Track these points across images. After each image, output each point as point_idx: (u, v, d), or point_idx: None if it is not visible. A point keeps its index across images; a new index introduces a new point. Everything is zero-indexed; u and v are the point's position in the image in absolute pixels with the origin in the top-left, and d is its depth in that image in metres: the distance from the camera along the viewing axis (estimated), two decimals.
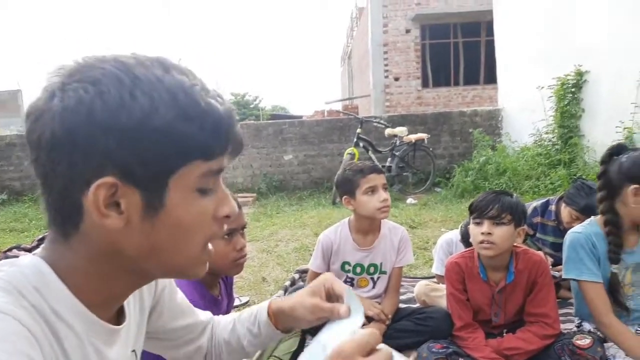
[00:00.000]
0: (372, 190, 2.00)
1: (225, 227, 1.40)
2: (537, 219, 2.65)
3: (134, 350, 0.73)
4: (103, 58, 0.56)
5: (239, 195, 6.77)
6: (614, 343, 1.66)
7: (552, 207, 2.60)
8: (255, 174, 7.45)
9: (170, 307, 0.85)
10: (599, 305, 1.70)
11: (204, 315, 0.95)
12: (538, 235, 2.66)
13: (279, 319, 0.87)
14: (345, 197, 2.07)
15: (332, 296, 0.82)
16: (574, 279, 1.77)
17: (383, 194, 2.00)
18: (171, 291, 0.86)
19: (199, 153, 0.56)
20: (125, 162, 0.53)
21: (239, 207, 1.50)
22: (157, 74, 0.55)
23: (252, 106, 21.47)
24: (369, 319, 1.99)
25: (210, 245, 0.64)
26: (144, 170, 0.54)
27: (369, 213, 2.02)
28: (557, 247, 2.58)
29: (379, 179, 2.02)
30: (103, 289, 0.60)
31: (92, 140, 0.52)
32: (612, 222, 1.70)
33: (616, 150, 1.74)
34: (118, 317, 0.67)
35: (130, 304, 0.72)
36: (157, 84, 0.54)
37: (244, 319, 0.92)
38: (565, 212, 2.47)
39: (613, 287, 1.73)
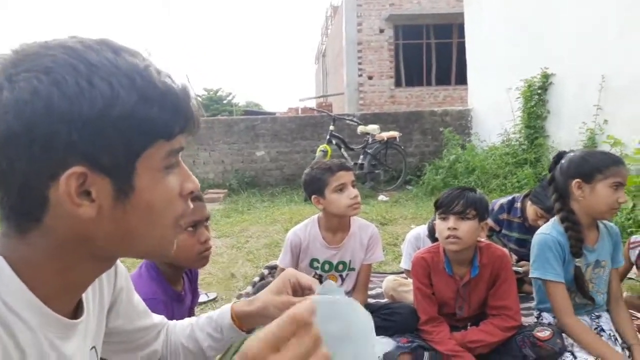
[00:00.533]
0: (342, 187, 1.98)
1: (189, 219, 1.38)
2: (504, 216, 2.71)
3: (94, 347, 0.71)
4: (46, 44, 0.54)
5: (210, 191, 6.69)
6: (575, 342, 1.72)
7: (518, 205, 2.67)
8: (227, 170, 7.37)
9: (128, 308, 0.84)
10: (561, 305, 1.77)
11: (158, 318, 0.94)
12: (504, 231, 2.73)
13: (245, 322, 0.87)
14: (314, 196, 2.05)
15: (298, 290, 0.82)
16: (539, 278, 1.83)
17: (353, 191, 1.99)
18: (129, 292, 0.85)
19: (161, 133, 0.56)
20: (91, 151, 0.52)
21: (201, 199, 1.48)
22: (110, 57, 0.54)
23: (225, 102, 21.22)
24: None
25: (181, 223, 0.64)
26: (111, 157, 0.53)
27: (339, 211, 2.01)
28: (522, 243, 2.65)
29: (348, 176, 2.01)
30: (60, 281, 0.58)
31: (53, 132, 0.50)
32: (568, 219, 1.78)
33: (559, 158, 1.88)
34: (76, 312, 0.65)
35: (90, 299, 0.70)
36: (113, 69, 0.53)
37: (203, 324, 0.91)
38: (531, 210, 2.54)
39: (578, 280, 1.80)
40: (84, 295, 0.67)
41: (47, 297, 0.57)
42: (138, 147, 0.55)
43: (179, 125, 0.58)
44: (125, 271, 0.84)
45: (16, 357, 0.53)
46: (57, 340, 0.60)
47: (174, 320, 0.98)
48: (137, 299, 0.88)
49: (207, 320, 0.91)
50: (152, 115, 0.54)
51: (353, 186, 2.02)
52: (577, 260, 1.78)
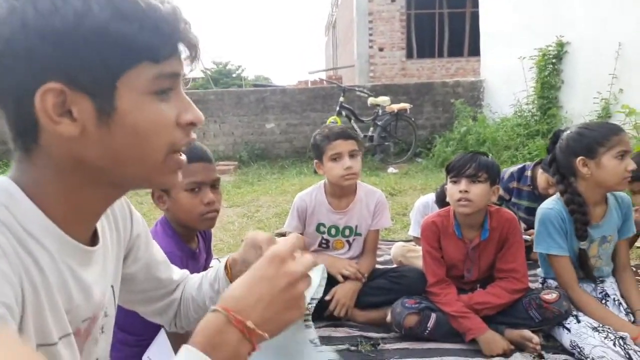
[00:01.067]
0: (337, 156, 1.98)
1: (192, 179, 1.39)
2: (513, 184, 2.71)
3: (112, 286, 0.74)
4: None
5: (221, 162, 6.73)
6: (581, 311, 1.74)
7: (528, 173, 2.66)
8: (237, 142, 7.39)
9: (146, 256, 0.86)
10: (566, 278, 1.80)
11: (179, 273, 0.96)
12: (513, 199, 2.73)
13: (234, 272, 0.88)
14: (315, 161, 2.08)
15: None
16: (543, 252, 1.85)
17: (347, 162, 1.97)
18: (147, 240, 0.87)
19: (145, 54, 0.56)
20: (67, 67, 0.53)
21: (210, 161, 1.49)
22: None
23: (234, 75, 21.09)
24: (345, 278, 2.03)
25: (183, 156, 0.64)
26: (88, 74, 0.54)
27: (333, 179, 2.03)
28: (532, 212, 2.65)
29: (345, 145, 1.98)
30: (72, 205, 0.60)
31: (30, 48, 0.51)
32: (573, 201, 1.77)
33: (556, 137, 1.86)
34: (92, 242, 0.67)
35: (107, 237, 0.72)
36: None
37: (209, 277, 0.93)
38: (542, 178, 2.53)
39: (582, 262, 1.82)
40: (99, 230, 0.69)
41: (62, 222, 0.59)
42: (117, 65, 0.55)
43: (166, 47, 0.57)
44: (142, 220, 0.87)
45: (39, 281, 0.56)
46: (77, 266, 0.62)
47: (193, 275, 1.00)
48: (157, 249, 0.90)
49: (212, 272, 0.93)
50: (129, 32, 0.54)
51: (352, 156, 1.99)
52: (581, 243, 1.79)
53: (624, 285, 1.87)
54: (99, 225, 0.69)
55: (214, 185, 1.48)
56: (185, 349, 0.54)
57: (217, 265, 0.94)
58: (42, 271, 0.56)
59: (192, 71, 0.64)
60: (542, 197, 2.58)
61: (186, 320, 0.95)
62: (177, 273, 0.95)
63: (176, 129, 0.61)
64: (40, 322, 0.55)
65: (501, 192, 2.65)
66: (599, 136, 1.71)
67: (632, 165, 1.70)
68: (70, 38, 0.52)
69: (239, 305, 0.56)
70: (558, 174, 1.83)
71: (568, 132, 1.81)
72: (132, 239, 0.82)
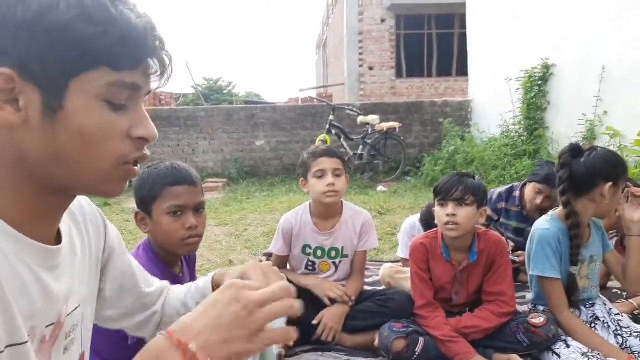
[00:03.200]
0: (321, 173, 1.99)
1: (172, 203, 1.37)
2: (502, 205, 2.73)
3: (81, 302, 0.71)
4: None
5: (209, 180, 6.70)
6: (570, 336, 1.73)
7: (517, 193, 2.69)
8: (226, 159, 7.37)
9: (123, 268, 0.85)
10: (557, 302, 1.79)
11: (159, 283, 0.96)
12: (502, 220, 2.74)
13: None
14: (301, 179, 2.09)
15: None
16: (539, 276, 1.82)
17: (330, 179, 1.97)
18: (122, 252, 0.86)
19: (105, 59, 0.55)
20: (22, 57, 0.53)
21: (194, 184, 1.46)
22: None
23: (225, 92, 21.15)
24: (332, 301, 2.00)
25: (136, 168, 0.63)
26: (43, 67, 0.53)
27: (315, 196, 2.03)
28: (520, 233, 2.67)
29: (330, 163, 1.99)
30: (22, 204, 0.59)
31: None
32: (576, 225, 1.74)
33: (576, 152, 1.78)
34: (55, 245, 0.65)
35: (76, 242, 0.71)
36: None
37: (194, 292, 0.92)
38: (530, 189, 2.55)
39: (571, 288, 1.80)
40: (65, 233, 0.67)
41: (14, 222, 0.57)
42: (74, 65, 0.54)
43: (129, 57, 0.57)
44: (118, 235, 0.85)
45: None
46: (38, 267, 0.60)
47: (173, 286, 0.99)
48: (134, 261, 0.89)
49: (196, 289, 0.92)
50: (91, 35, 0.53)
51: (336, 174, 1.99)
52: (573, 268, 1.79)
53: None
54: (64, 228, 0.67)
55: (198, 209, 1.44)
56: None
57: (201, 280, 0.92)
58: None
59: (160, 88, 0.64)
60: (530, 219, 2.60)
61: None
62: (156, 284, 0.94)
63: (126, 141, 0.60)
64: None
65: (489, 212, 2.66)
66: (625, 167, 1.75)
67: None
68: (30, 30, 0.52)
69: (185, 329, 0.55)
70: (568, 192, 1.76)
71: (602, 152, 1.75)
72: (107, 250, 0.81)
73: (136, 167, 0.63)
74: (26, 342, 0.57)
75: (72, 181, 0.60)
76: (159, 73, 0.61)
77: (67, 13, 0.52)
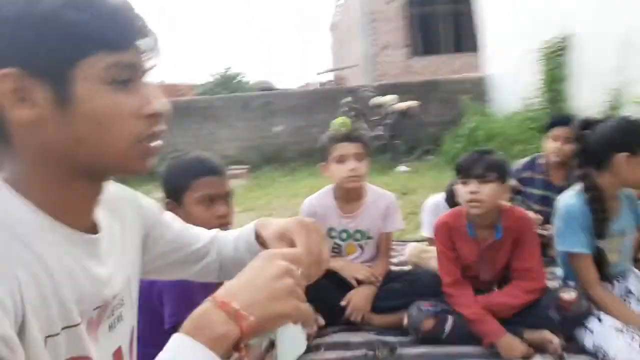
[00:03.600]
0: (342, 159, 1.98)
1: (204, 192, 1.40)
2: (527, 173, 2.73)
3: (128, 276, 0.75)
4: None
5: (232, 167, 6.76)
6: (603, 312, 1.69)
7: (541, 160, 2.70)
8: (247, 147, 7.41)
9: (168, 234, 0.89)
10: (588, 277, 1.75)
11: (207, 234, 0.98)
12: (527, 189, 2.71)
13: (264, 242, 0.88)
14: (322, 163, 2.07)
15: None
16: (566, 251, 1.79)
17: (352, 164, 1.97)
18: (161, 221, 0.89)
19: (99, 43, 0.56)
20: (22, 54, 0.54)
21: (222, 174, 1.49)
22: None
23: (234, 82, 21.08)
24: (359, 282, 2.02)
25: (156, 144, 0.64)
26: (43, 61, 0.55)
27: (337, 181, 2.03)
28: (545, 201, 2.65)
29: (351, 148, 1.98)
30: (57, 196, 0.61)
31: None
32: (596, 198, 1.71)
33: (586, 125, 1.76)
34: (93, 233, 0.68)
35: (114, 228, 0.74)
36: None
37: (242, 239, 0.93)
38: (546, 143, 2.61)
39: (600, 262, 1.77)
40: (101, 220, 0.70)
41: (53, 214, 0.60)
42: (71, 53, 0.55)
43: (122, 37, 0.58)
44: (156, 206, 0.89)
45: (42, 274, 0.56)
46: (81, 255, 0.63)
47: (225, 233, 1.01)
48: (179, 228, 0.93)
49: (244, 236, 0.93)
50: (82, 21, 0.55)
51: (358, 159, 1.99)
52: (600, 242, 1.74)
53: None
54: (101, 216, 0.70)
55: (226, 198, 1.48)
56: (173, 336, 0.55)
57: (246, 228, 0.94)
58: (44, 264, 0.56)
59: (155, 66, 0.64)
60: (555, 186, 2.59)
61: (230, 276, 0.98)
62: (205, 236, 0.97)
63: (139, 120, 0.61)
64: (46, 314, 0.55)
65: (515, 183, 2.64)
66: (632, 131, 1.65)
67: None
68: (22, 25, 0.53)
69: (226, 292, 0.58)
70: (586, 165, 1.74)
71: (611, 123, 1.71)
72: (146, 227, 0.84)
73: (155, 144, 0.64)
74: (79, 324, 0.60)
75: (97, 165, 0.62)
76: (151, 50, 0.62)
77: (53, 3, 0.54)
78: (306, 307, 0.61)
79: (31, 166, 0.59)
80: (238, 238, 0.95)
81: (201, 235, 0.97)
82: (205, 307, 0.57)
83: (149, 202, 0.87)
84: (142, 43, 0.61)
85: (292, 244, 0.77)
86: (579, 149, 1.77)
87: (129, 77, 0.60)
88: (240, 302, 0.56)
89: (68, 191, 0.62)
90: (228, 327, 0.55)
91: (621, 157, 1.64)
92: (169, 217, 0.93)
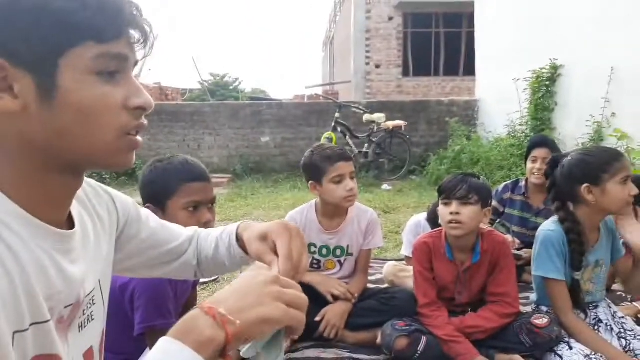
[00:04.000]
0: (339, 179, 1.97)
1: (190, 199, 1.40)
2: (507, 195, 2.82)
3: (99, 279, 0.74)
4: None
5: (214, 175, 6.71)
6: (574, 339, 1.72)
7: (522, 183, 2.78)
8: (232, 155, 7.39)
9: (144, 230, 0.88)
10: (561, 304, 1.78)
11: (185, 232, 0.97)
12: (506, 210, 2.79)
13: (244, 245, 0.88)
14: (311, 182, 2.04)
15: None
16: (541, 276, 1.82)
17: (350, 183, 1.97)
18: (139, 216, 0.88)
19: (88, 33, 0.56)
20: (7, 43, 0.53)
21: (208, 180, 1.48)
22: None
23: (231, 88, 21.17)
24: (335, 298, 2.01)
25: (139, 138, 0.64)
26: (29, 51, 0.54)
27: (335, 201, 2.01)
28: (524, 222, 2.75)
29: (347, 168, 1.99)
30: (34, 189, 0.60)
31: None
32: (573, 230, 1.75)
33: (555, 162, 1.84)
34: (68, 229, 0.67)
35: (88, 225, 0.72)
36: None
37: (224, 240, 0.93)
38: (527, 165, 2.68)
39: (575, 292, 1.79)
40: (76, 216, 0.69)
41: (29, 208, 0.58)
42: (58, 43, 0.55)
43: (111, 28, 0.57)
44: (131, 203, 0.87)
45: (13, 267, 0.55)
46: (54, 251, 0.61)
47: (206, 231, 1.00)
48: (156, 225, 0.92)
49: (225, 237, 0.92)
50: (70, 10, 0.54)
51: (352, 178, 2.00)
52: (576, 274, 1.77)
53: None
54: (75, 213, 0.69)
55: (211, 205, 1.47)
56: (161, 339, 0.55)
57: (228, 229, 0.93)
58: (16, 256, 0.55)
59: (145, 57, 0.64)
60: (533, 208, 2.69)
61: (209, 274, 0.99)
62: (183, 235, 0.96)
63: (123, 112, 0.61)
64: (15, 307, 0.54)
65: (495, 204, 2.71)
66: (603, 163, 1.70)
67: (634, 190, 1.69)
68: (9, 14, 0.52)
69: (214, 299, 0.59)
70: (558, 200, 1.82)
71: (569, 158, 1.79)
72: (120, 223, 0.83)
73: (138, 138, 0.64)
74: (48, 321, 0.59)
75: (80, 158, 0.61)
76: (142, 42, 0.62)
77: None
78: (298, 313, 0.61)
79: (10, 160, 0.58)
80: (219, 238, 0.94)
81: (178, 232, 0.96)
82: (192, 313, 0.57)
83: (123, 198, 0.86)
84: (133, 33, 0.60)
85: (273, 246, 0.77)
86: (550, 184, 1.83)
87: (116, 68, 0.59)
88: (226, 307, 0.56)
89: (44, 185, 0.61)
90: (214, 331, 0.55)
91: (583, 189, 1.71)
92: (145, 213, 0.91)
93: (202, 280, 2.65)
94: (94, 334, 0.73)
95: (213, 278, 2.79)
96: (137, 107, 0.62)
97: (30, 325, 0.56)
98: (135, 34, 0.60)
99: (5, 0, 0.52)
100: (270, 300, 0.59)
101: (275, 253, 0.76)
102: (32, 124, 0.56)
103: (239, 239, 0.88)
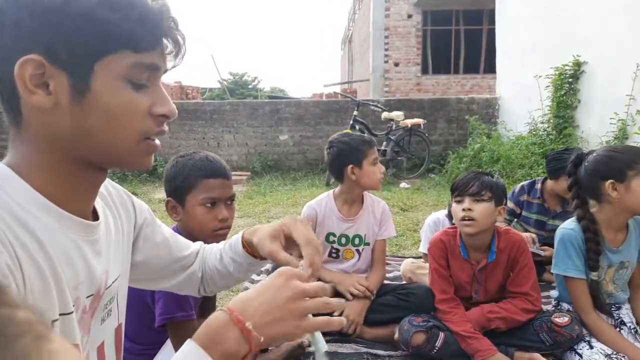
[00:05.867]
0: (376, 161, 2.08)
1: (208, 195, 1.42)
2: (524, 197, 2.78)
3: (119, 274, 0.76)
4: None
5: (233, 172, 6.77)
6: (595, 337, 1.70)
7: (538, 186, 2.74)
8: (250, 153, 7.44)
9: (156, 238, 0.90)
10: (582, 303, 1.76)
11: (193, 245, 1.00)
12: (524, 213, 2.76)
13: (253, 249, 0.89)
14: (351, 166, 2.05)
15: (290, 241, 0.82)
16: (560, 274, 1.81)
17: (382, 166, 2.11)
18: (153, 223, 0.90)
19: (126, 43, 0.59)
20: (50, 43, 0.56)
21: (229, 177, 1.50)
22: None
23: (250, 87, 21.31)
24: (354, 296, 2.01)
25: (157, 142, 0.67)
26: (69, 52, 0.57)
27: (371, 183, 2.09)
28: (541, 225, 2.70)
29: (376, 153, 2.12)
30: (60, 182, 0.62)
31: (18, 20, 0.55)
32: (590, 229, 1.73)
33: (579, 160, 1.81)
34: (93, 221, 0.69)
35: (110, 221, 0.75)
36: None
37: (227, 249, 0.95)
38: (562, 182, 2.52)
39: (594, 293, 1.77)
40: (100, 211, 0.71)
41: (55, 199, 0.61)
42: (97, 48, 0.58)
43: (147, 39, 0.60)
44: (145, 206, 0.90)
45: (40, 256, 0.57)
46: (80, 241, 0.64)
47: (210, 245, 1.03)
48: (165, 229, 0.94)
49: (229, 246, 0.95)
50: (113, 20, 0.57)
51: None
52: (593, 274, 1.75)
53: (637, 305, 1.83)
54: (99, 208, 0.72)
55: (230, 201, 1.48)
56: (187, 342, 0.58)
57: (232, 238, 0.96)
58: (42, 246, 0.57)
59: (175, 67, 0.67)
60: (550, 211, 2.65)
61: (214, 287, 1.00)
62: (191, 247, 0.99)
63: (148, 118, 0.64)
64: (47, 296, 0.56)
65: (512, 205, 2.68)
66: (629, 159, 1.67)
67: None
68: (56, 17, 0.55)
69: (243, 307, 0.61)
70: (578, 198, 1.79)
71: (595, 155, 1.76)
72: (137, 225, 0.86)
73: (157, 142, 0.67)
74: (72, 312, 0.61)
75: (103, 157, 0.64)
76: (174, 52, 0.65)
77: (89, 0, 0.56)
78: (320, 322, 0.65)
79: (37, 152, 0.60)
80: (223, 250, 0.96)
81: (187, 244, 0.98)
82: (221, 319, 0.60)
83: (140, 202, 0.89)
84: (166, 43, 0.63)
85: (285, 244, 0.80)
86: (572, 182, 1.81)
87: (147, 77, 0.62)
88: (254, 322, 0.59)
89: (71, 179, 0.63)
90: (240, 346, 0.58)
91: (607, 185, 1.68)
92: (159, 222, 0.94)
93: None
94: (109, 330, 0.75)
95: None
96: (162, 114, 0.65)
97: (60, 315, 0.58)
98: (168, 44, 0.63)
99: (54, 6, 0.55)
100: (294, 319, 0.62)
101: (287, 250, 0.79)
102: (61, 121, 0.59)
103: (246, 245, 0.89)
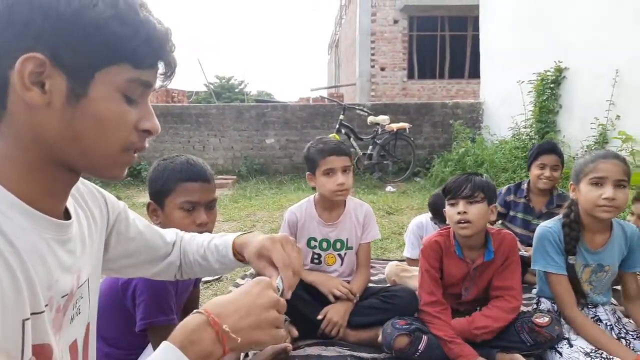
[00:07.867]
0: (330, 172, 1.99)
1: (186, 199, 1.42)
2: (510, 197, 2.84)
3: (88, 276, 0.76)
4: None
5: (219, 176, 6.74)
6: (578, 334, 1.73)
7: (524, 186, 2.81)
8: (236, 157, 7.42)
9: (131, 231, 0.92)
10: (564, 298, 1.79)
11: (170, 234, 1.03)
12: (510, 213, 2.81)
13: (244, 258, 0.95)
14: (308, 173, 2.10)
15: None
16: (540, 270, 1.86)
17: (340, 178, 1.98)
18: (127, 216, 0.92)
19: (129, 57, 0.61)
20: (57, 46, 0.57)
21: (209, 181, 1.48)
22: None
23: (237, 90, 21.25)
24: (336, 298, 2.01)
25: (135, 155, 0.69)
26: (74, 57, 0.58)
27: (325, 194, 2.04)
28: (526, 224, 2.77)
29: (339, 162, 1.99)
30: (33, 182, 0.62)
31: (29, 19, 0.56)
32: (569, 216, 1.83)
33: None
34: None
35: (82, 222, 0.75)
36: None
37: (214, 251, 0.99)
38: (532, 170, 2.70)
39: (571, 277, 1.81)
40: (72, 211, 0.72)
41: (26, 199, 0.61)
42: (102, 58, 0.59)
43: (149, 58, 0.63)
44: (121, 204, 0.92)
45: (11, 257, 0.56)
46: (52, 241, 0.64)
47: (189, 235, 1.06)
48: (143, 226, 0.96)
49: (216, 249, 0.99)
50: (122, 35, 0.59)
51: (345, 171, 2.00)
52: (570, 258, 1.80)
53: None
54: (70, 207, 0.72)
55: (210, 205, 1.45)
56: (164, 344, 0.59)
57: (218, 243, 0.99)
58: (13, 245, 0.57)
59: (162, 87, 0.70)
60: (534, 211, 2.71)
61: (192, 274, 1.05)
62: (168, 236, 1.02)
63: (133, 132, 0.66)
64: (18, 295, 0.56)
65: (499, 207, 2.71)
66: (583, 163, 1.78)
67: (607, 193, 1.67)
68: (69, 23, 0.57)
69: (219, 310, 0.63)
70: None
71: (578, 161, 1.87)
72: (110, 222, 0.87)
73: (135, 155, 0.69)
74: (43, 312, 0.61)
75: (83, 161, 0.64)
76: (167, 74, 0.68)
77: (104, 12, 0.58)
78: (281, 332, 0.69)
79: (17, 148, 0.60)
80: (207, 249, 0.99)
81: (164, 234, 1.01)
82: (198, 321, 0.62)
83: (113, 199, 0.90)
84: (161, 65, 0.66)
85: (270, 260, 0.85)
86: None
87: (140, 92, 0.65)
88: (230, 324, 0.62)
89: (46, 178, 0.63)
90: (215, 346, 0.61)
91: (569, 185, 1.86)
92: (133, 216, 0.95)
93: (204, 278, 2.67)
94: (80, 328, 0.75)
95: (216, 277, 2.81)
96: (146, 129, 0.67)
97: (31, 314, 0.58)
98: (163, 67, 0.66)
99: (68, 12, 0.56)
100: (267, 326, 0.66)
101: (272, 265, 0.85)
102: (49, 121, 0.59)
103: (237, 254, 0.95)
